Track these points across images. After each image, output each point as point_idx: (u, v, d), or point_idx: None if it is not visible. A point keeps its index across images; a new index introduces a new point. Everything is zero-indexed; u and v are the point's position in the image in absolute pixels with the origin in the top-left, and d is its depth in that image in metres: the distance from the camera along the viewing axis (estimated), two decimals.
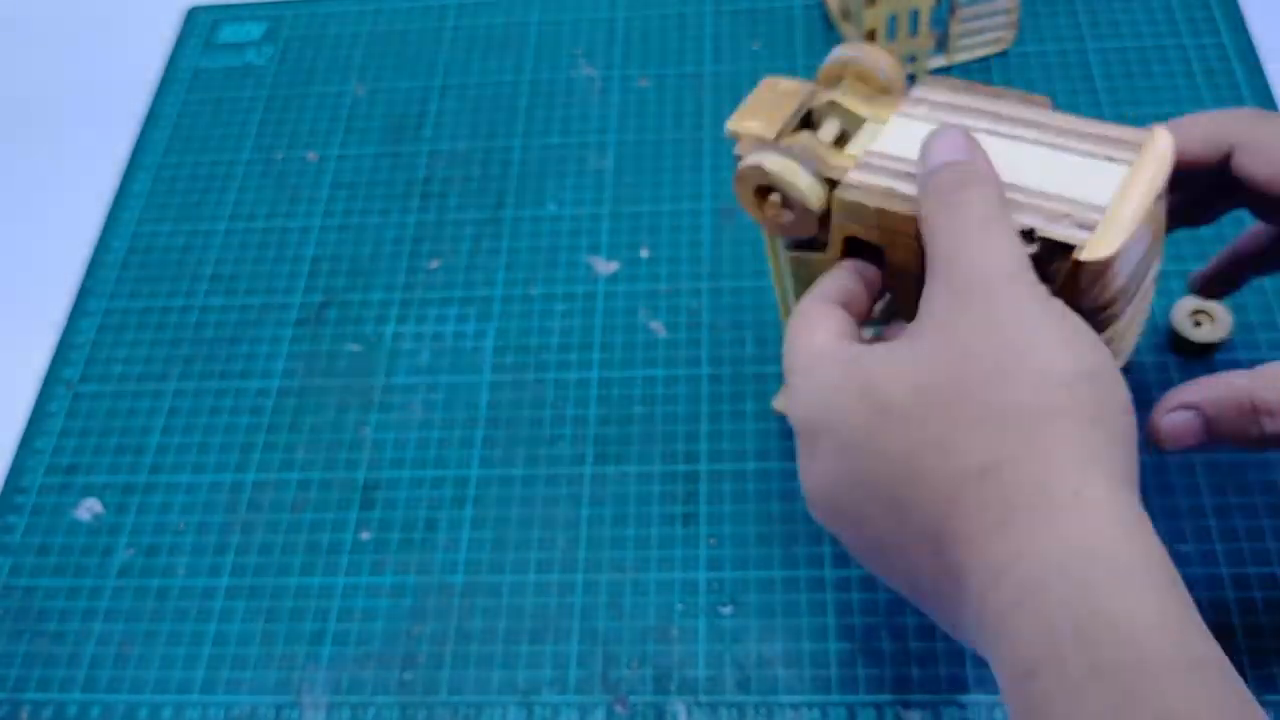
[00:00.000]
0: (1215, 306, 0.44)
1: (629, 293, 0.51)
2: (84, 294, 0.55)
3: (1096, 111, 0.54)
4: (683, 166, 0.55)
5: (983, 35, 0.56)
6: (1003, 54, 0.57)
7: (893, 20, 0.53)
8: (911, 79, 0.56)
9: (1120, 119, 0.53)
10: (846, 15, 0.57)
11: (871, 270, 0.33)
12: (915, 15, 0.53)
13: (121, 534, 0.46)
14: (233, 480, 0.47)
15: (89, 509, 0.47)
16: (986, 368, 0.25)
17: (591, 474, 0.45)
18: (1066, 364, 0.25)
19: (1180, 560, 0.41)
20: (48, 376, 0.52)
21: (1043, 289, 0.27)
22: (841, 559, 0.42)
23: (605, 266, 0.52)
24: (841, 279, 0.32)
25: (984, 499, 0.24)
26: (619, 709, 0.40)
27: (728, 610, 0.41)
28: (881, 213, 0.31)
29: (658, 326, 0.49)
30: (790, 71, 0.58)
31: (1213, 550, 0.40)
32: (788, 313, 0.43)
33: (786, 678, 0.40)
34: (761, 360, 0.48)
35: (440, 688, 0.41)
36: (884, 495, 0.26)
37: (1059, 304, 0.27)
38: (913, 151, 0.31)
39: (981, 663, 0.39)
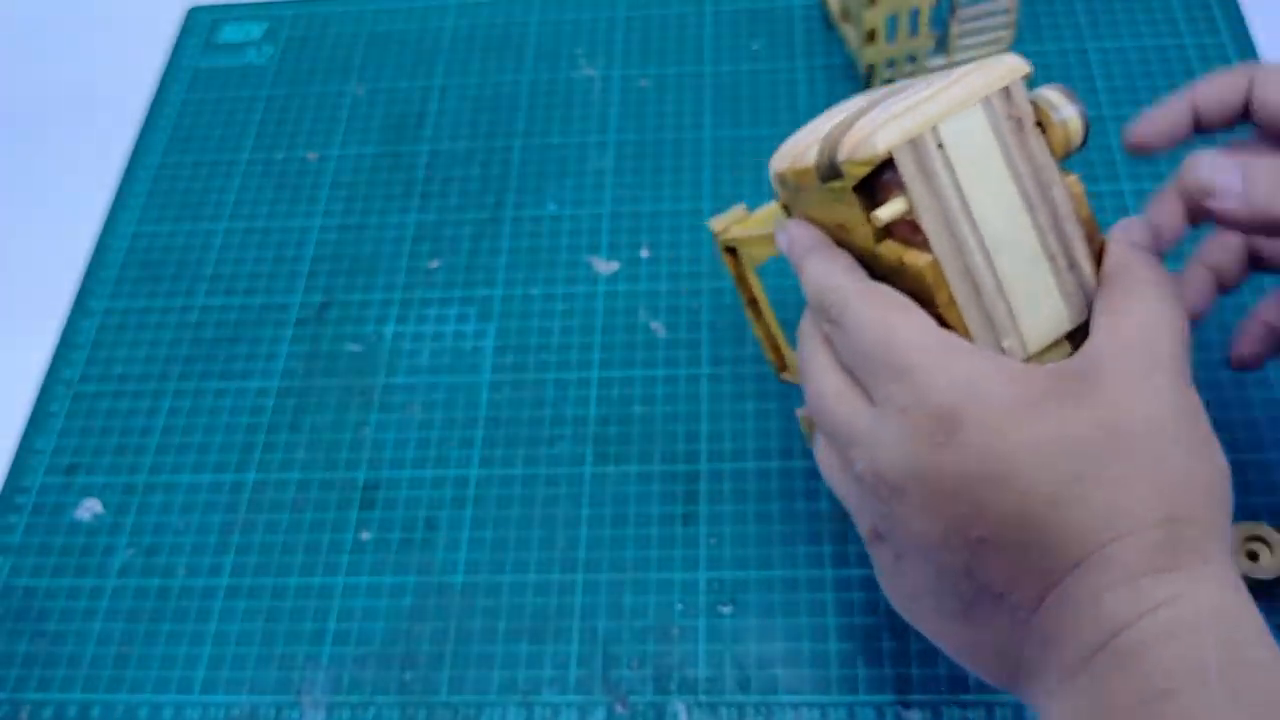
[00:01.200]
0: (1272, 533, 0.39)
1: (629, 293, 0.51)
2: (84, 294, 0.55)
3: (1096, 111, 0.54)
4: (683, 166, 0.55)
5: (983, 35, 0.56)
6: (1003, 54, 0.57)
7: (893, 20, 0.53)
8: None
9: (1120, 119, 0.53)
10: (846, 15, 0.57)
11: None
12: (915, 15, 0.53)
13: (121, 534, 0.46)
14: (233, 480, 0.47)
15: (89, 509, 0.47)
16: (1173, 437, 0.27)
17: (591, 474, 0.45)
18: (1221, 459, 0.28)
19: None
20: (48, 376, 0.52)
21: (1194, 390, 0.29)
22: (841, 559, 0.42)
23: (605, 266, 0.52)
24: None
25: (1158, 542, 0.26)
26: (619, 709, 0.40)
27: (728, 610, 0.41)
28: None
29: (658, 326, 0.49)
30: (790, 71, 0.58)
31: None
32: (770, 341, 0.44)
33: (786, 678, 0.40)
34: (761, 360, 0.48)
35: (440, 688, 0.41)
36: (1033, 504, 0.27)
37: (1190, 399, 0.29)
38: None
39: None
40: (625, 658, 0.41)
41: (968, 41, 0.56)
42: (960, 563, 0.28)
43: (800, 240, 0.34)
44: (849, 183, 0.30)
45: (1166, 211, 0.34)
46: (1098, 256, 0.31)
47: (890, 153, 0.29)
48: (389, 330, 0.51)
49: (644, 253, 0.52)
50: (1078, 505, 0.27)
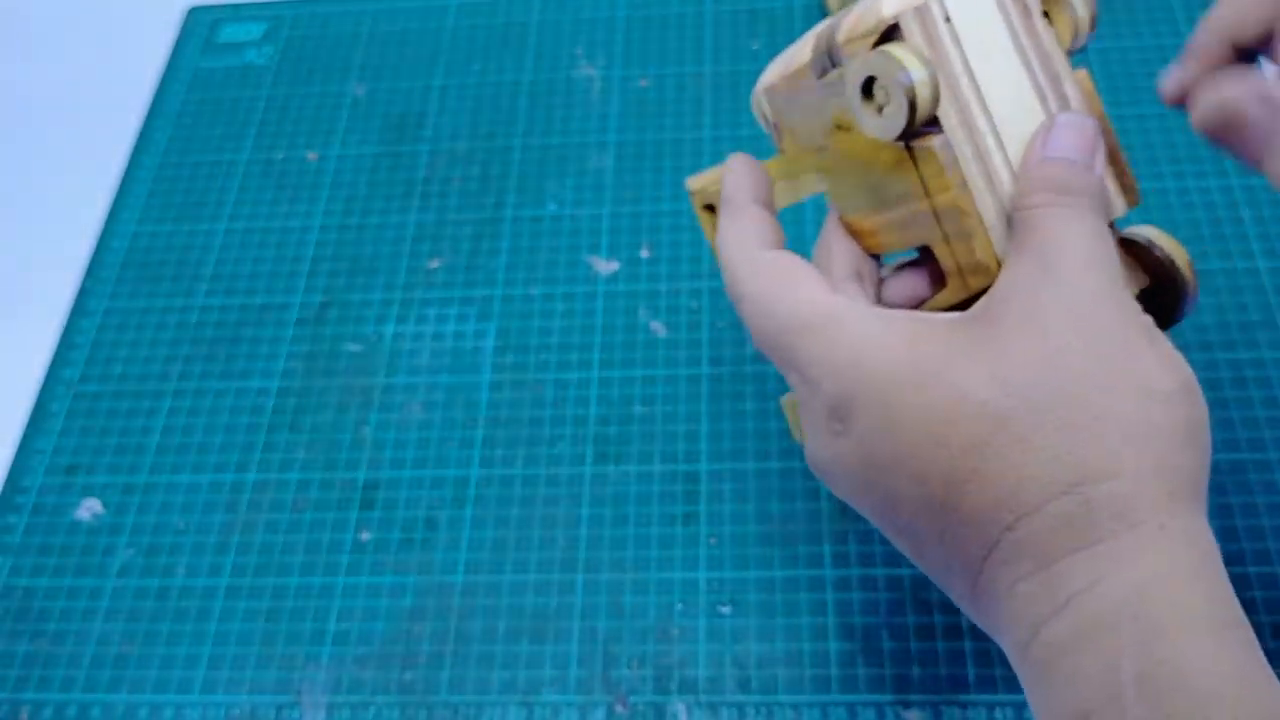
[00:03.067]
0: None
1: (629, 293, 0.51)
2: (84, 294, 0.55)
3: None
4: (683, 166, 0.55)
5: None
6: None
7: None
8: None
9: (1120, 119, 0.53)
10: None
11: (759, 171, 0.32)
12: None
13: (121, 534, 0.46)
14: (233, 480, 0.47)
15: (89, 509, 0.47)
16: (1084, 372, 0.23)
17: (591, 474, 0.45)
18: (1167, 379, 0.24)
19: None
20: (48, 376, 0.52)
21: (1139, 308, 0.25)
22: (841, 559, 0.42)
23: (605, 266, 0.52)
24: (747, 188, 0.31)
25: (1067, 515, 0.22)
26: (619, 709, 0.40)
27: (727, 610, 0.41)
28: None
29: (658, 326, 0.49)
30: None
31: None
32: None
33: (786, 678, 0.40)
34: (761, 360, 0.48)
35: (440, 688, 0.41)
36: (934, 486, 0.24)
37: (1150, 320, 0.25)
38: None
39: (983, 663, 0.39)
40: (625, 658, 0.41)
41: None
42: (903, 545, 0.26)
43: (728, 186, 0.31)
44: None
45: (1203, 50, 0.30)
46: (1111, 155, 0.29)
47: (896, 19, 0.27)
48: (389, 330, 0.51)
49: (644, 253, 0.52)
50: (976, 481, 0.23)
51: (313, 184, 0.57)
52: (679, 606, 0.42)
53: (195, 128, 0.61)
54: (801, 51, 0.31)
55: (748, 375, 0.47)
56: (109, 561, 0.46)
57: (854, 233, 0.31)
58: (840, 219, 0.32)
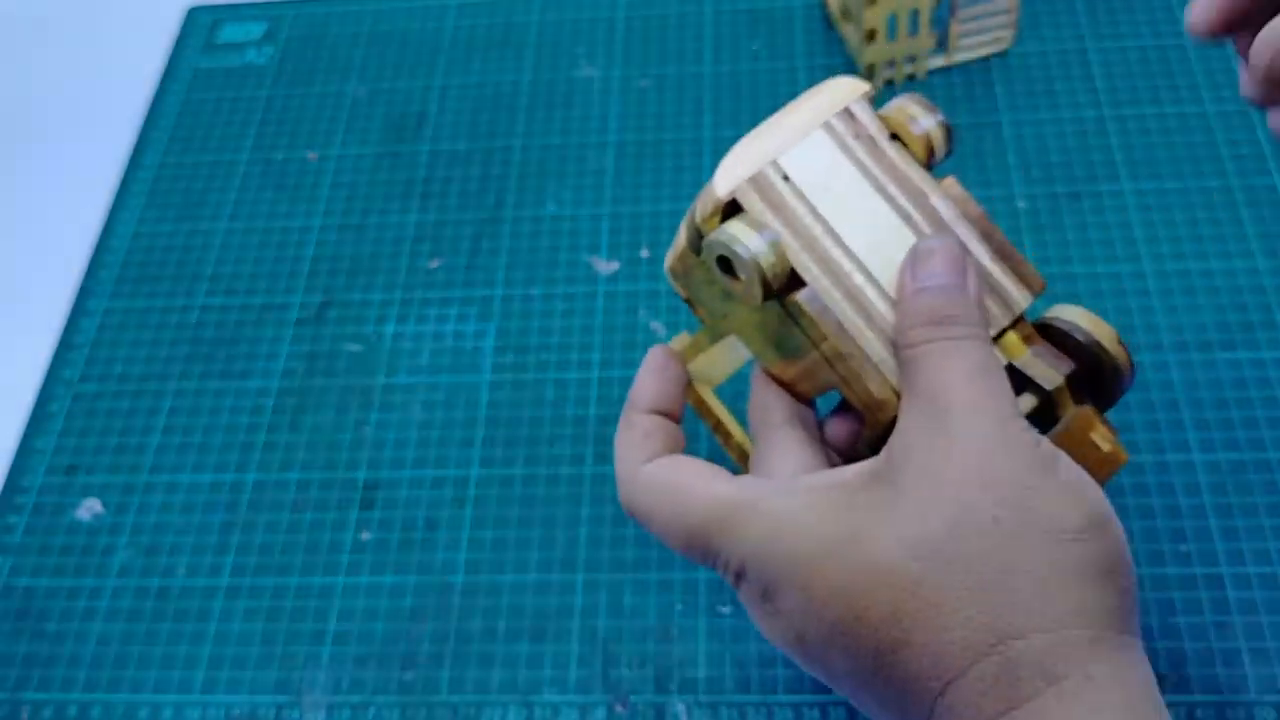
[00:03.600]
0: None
1: (629, 293, 0.51)
2: (84, 294, 0.55)
3: (1096, 112, 0.54)
4: (683, 166, 0.55)
5: (983, 35, 0.56)
6: (1003, 54, 0.57)
7: (893, 20, 0.53)
8: (911, 80, 0.56)
9: (1120, 119, 0.53)
10: (846, 15, 0.57)
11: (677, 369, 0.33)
12: (915, 15, 0.53)
13: (121, 534, 0.46)
14: (233, 480, 0.47)
15: (89, 509, 0.47)
16: (987, 523, 0.23)
17: (591, 474, 0.45)
18: (1074, 516, 0.23)
19: (1180, 560, 0.41)
20: (48, 376, 0.52)
21: (1034, 434, 0.25)
22: None
23: (605, 266, 0.52)
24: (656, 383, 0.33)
25: (992, 677, 0.22)
26: (619, 709, 0.40)
27: (728, 610, 0.41)
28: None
29: (658, 326, 0.49)
30: (790, 71, 0.58)
31: (1213, 550, 0.40)
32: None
33: (787, 677, 0.40)
34: None
35: (440, 688, 0.41)
36: (864, 660, 0.24)
37: (1051, 448, 0.25)
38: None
39: None
40: (625, 658, 0.41)
41: (968, 41, 0.56)
42: (857, 705, 0.26)
43: (632, 391, 0.32)
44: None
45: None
46: (1000, 251, 0.29)
47: (733, 195, 0.27)
48: (389, 330, 0.51)
49: (644, 253, 0.52)
50: (902, 651, 0.23)
51: (313, 184, 0.57)
52: (679, 606, 0.42)
53: (195, 128, 0.61)
54: (681, 232, 0.31)
55: (747, 375, 0.47)
56: (109, 561, 0.46)
57: (780, 384, 0.32)
58: (764, 372, 0.32)
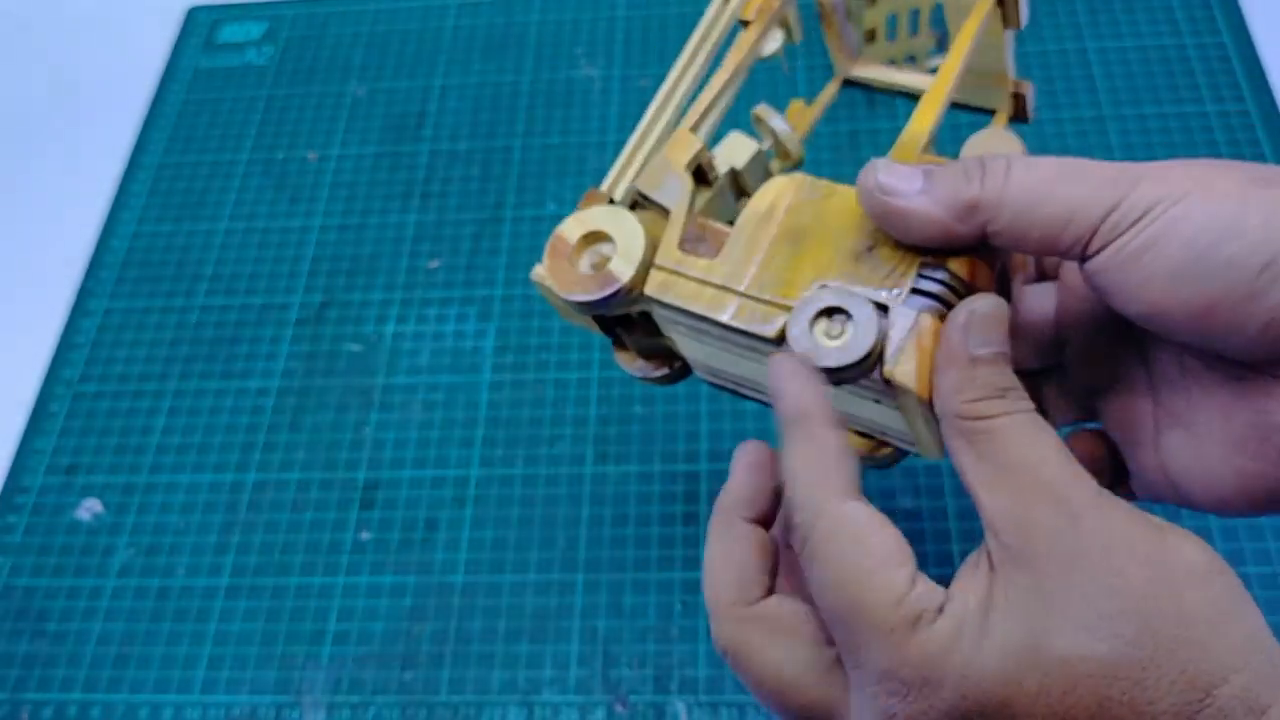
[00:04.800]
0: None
1: None
2: (84, 294, 0.55)
3: (1096, 111, 0.54)
4: None
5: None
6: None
7: (893, 20, 0.53)
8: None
9: (1120, 119, 0.53)
10: (847, 15, 0.57)
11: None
12: (915, 15, 0.53)
13: (121, 534, 0.46)
14: (233, 480, 0.47)
15: (89, 509, 0.47)
16: (1143, 586, 0.23)
17: (591, 474, 0.45)
18: (1200, 555, 0.23)
19: None
20: (48, 376, 0.52)
21: (1114, 496, 0.24)
22: None
23: None
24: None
25: None
26: (619, 709, 0.40)
27: None
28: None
29: None
30: (790, 70, 0.58)
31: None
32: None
33: None
34: None
35: (440, 688, 0.41)
36: None
37: (1123, 504, 0.24)
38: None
39: None
40: (625, 658, 0.41)
41: None
42: None
43: (783, 397, 0.26)
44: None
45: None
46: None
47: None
48: (389, 330, 0.51)
49: None
50: None
51: (313, 184, 0.57)
52: (679, 606, 0.42)
53: (195, 128, 0.61)
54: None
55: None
56: (109, 561, 0.46)
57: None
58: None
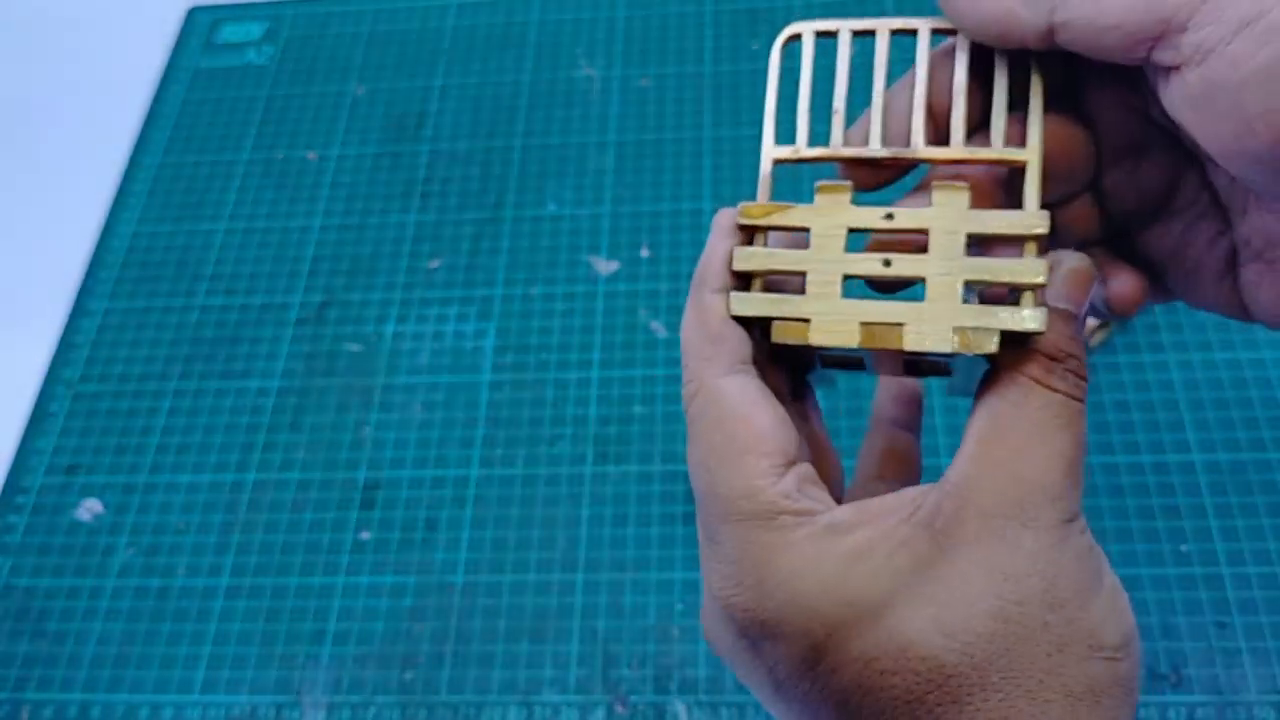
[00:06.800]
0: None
1: (629, 293, 0.51)
2: (84, 294, 0.55)
3: None
4: (683, 166, 0.55)
5: None
6: None
7: None
8: None
9: None
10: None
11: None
12: None
13: (121, 534, 0.46)
14: (233, 480, 0.47)
15: (89, 509, 0.47)
16: (1037, 628, 0.21)
17: (591, 474, 0.45)
18: (1115, 633, 0.22)
19: (1181, 560, 0.41)
20: (48, 376, 0.52)
21: (1090, 537, 0.22)
22: None
23: (605, 266, 0.52)
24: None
25: None
26: (619, 709, 0.40)
27: None
28: None
29: (658, 326, 0.49)
30: (791, 71, 0.58)
31: (1213, 550, 0.40)
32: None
33: None
34: None
35: (440, 688, 0.41)
36: None
37: (1100, 554, 0.22)
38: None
39: None
40: (625, 658, 0.41)
41: None
42: None
43: (705, 252, 0.25)
44: None
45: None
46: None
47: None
48: (389, 330, 0.51)
49: (644, 253, 0.52)
50: None
51: (313, 184, 0.57)
52: (679, 606, 0.42)
53: (195, 128, 0.61)
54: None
55: None
56: (109, 561, 0.46)
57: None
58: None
